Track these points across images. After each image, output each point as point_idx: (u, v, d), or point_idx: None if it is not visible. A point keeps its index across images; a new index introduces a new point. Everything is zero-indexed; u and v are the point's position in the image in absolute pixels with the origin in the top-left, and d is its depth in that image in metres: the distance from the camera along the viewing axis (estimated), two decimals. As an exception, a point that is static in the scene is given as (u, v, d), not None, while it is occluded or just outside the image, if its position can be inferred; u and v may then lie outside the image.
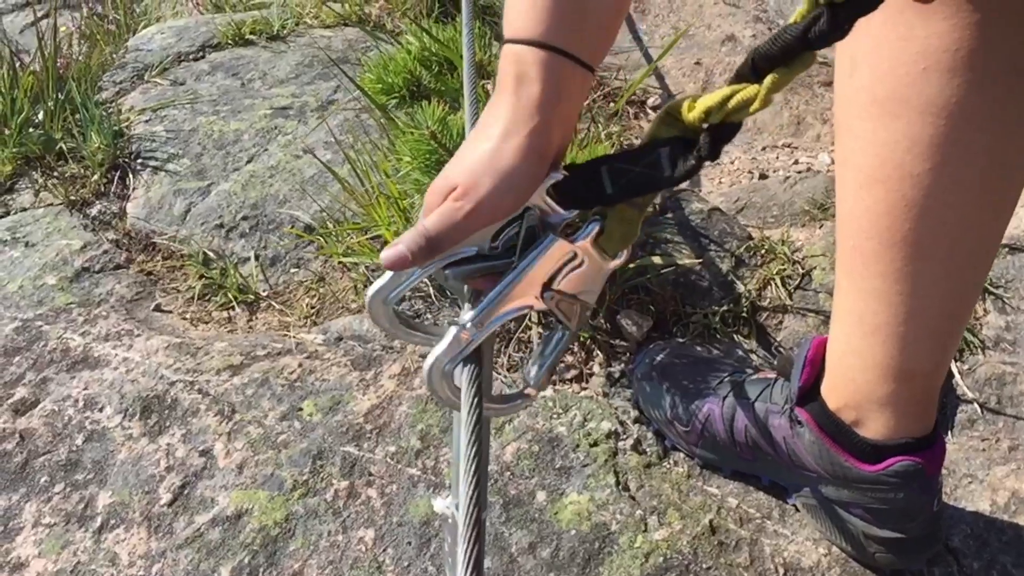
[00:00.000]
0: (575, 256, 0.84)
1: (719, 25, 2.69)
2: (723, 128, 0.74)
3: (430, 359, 0.81)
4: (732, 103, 0.72)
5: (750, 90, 0.71)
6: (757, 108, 0.71)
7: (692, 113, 0.75)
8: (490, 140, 0.79)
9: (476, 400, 0.80)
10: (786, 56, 0.68)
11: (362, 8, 2.64)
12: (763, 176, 1.99)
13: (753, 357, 1.50)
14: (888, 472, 1.13)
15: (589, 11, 0.81)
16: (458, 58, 1.49)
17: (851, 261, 1.10)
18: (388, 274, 0.83)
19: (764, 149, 2.19)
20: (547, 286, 0.84)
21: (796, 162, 2.09)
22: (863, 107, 1.03)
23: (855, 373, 1.13)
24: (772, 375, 1.29)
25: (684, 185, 1.92)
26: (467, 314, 0.81)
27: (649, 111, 2.27)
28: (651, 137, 0.79)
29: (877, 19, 1.01)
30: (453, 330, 0.81)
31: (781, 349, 1.50)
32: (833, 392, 1.16)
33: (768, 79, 0.69)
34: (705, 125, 0.76)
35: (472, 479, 0.72)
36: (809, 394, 1.19)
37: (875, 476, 1.14)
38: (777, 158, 2.13)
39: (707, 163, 0.77)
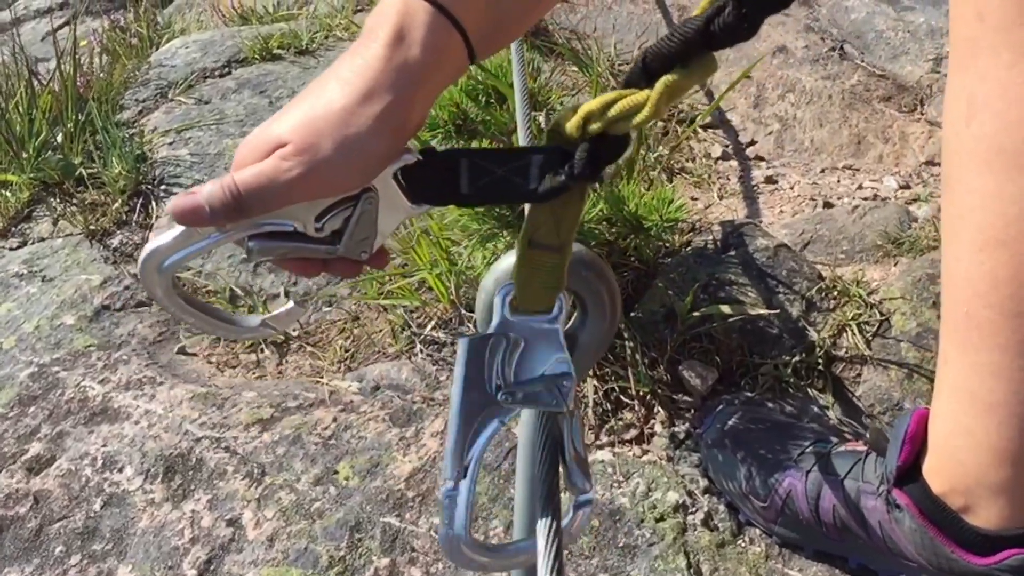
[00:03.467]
0: (508, 341, 0.70)
1: (768, 35, 2.54)
2: (604, 142, 0.61)
3: (441, 533, 0.69)
4: (615, 110, 0.59)
5: (638, 96, 0.58)
6: (646, 117, 0.58)
7: (571, 120, 0.61)
8: (344, 97, 0.64)
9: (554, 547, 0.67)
10: (683, 54, 0.56)
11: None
12: (828, 204, 1.85)
13: (830, 415, 1.37)
14: (1002, 566, 1.00)
15: None
16: (507, 87, 1.36)
17: (964, 330, 0.96)
18: (174, 231, 0.67)
19: (824, 171, 2.05)
20: (499, 388, 0.70)
21: (860, 187, 1.95)
22: (984, 160, 0.90)
23: (964, 455, 1.00)
24: (861, 447, 1.16)
25: (746, 218, 1.79)
26: (443, 474, 0.69)
27: (699, 130, 2.14)
28: (535, 143, 0.66)
29: (1004, 60, 0.88)
30: (442, 496, 0.68)
31: (867, 415, 1.37)
32: (938, 474, 1.03)
33: (660, 83, 0.57)
34: (585, 138, 0.62)
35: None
36: (908, 474, 1.06)
37: (986, 570, 1.01)
38: (839, 182, 1.99)
39: (581, 183, 0.63)
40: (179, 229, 0.67)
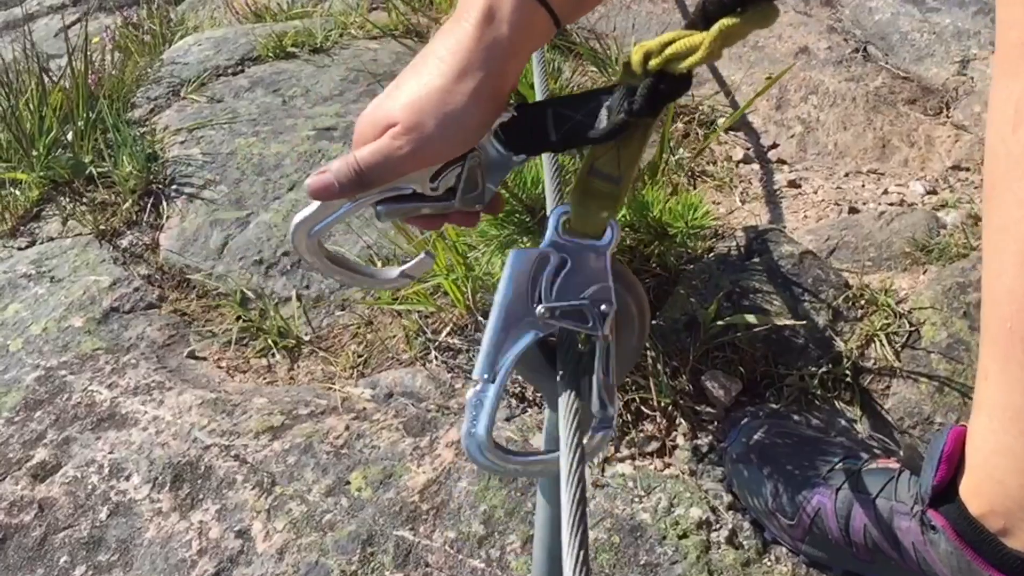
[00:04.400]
0: (553, 259, 0.71)
1: (790, 36, 2.50)
2: (662, 78, 0.64)
3: (463, 434, 0.69)
4: (671, 48, 0.61)
5: (696, 37, 0.60)
6: (701, 58, 0.60)
7: (635, 57, 0.64)
8: (441, 77, 0.70)
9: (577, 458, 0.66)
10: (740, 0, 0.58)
11: (408, 19, 2.48)
12: (853, 210, 1.80)
13: (858, 428, 1.32)
14: (1043, 592, 0.95)
15: None
16: (527, 88, 1.32)
17: (1006, 345, 0.92)
18: (314, 204, 0.78)
19: (847, 175, 2.00)
20: (538, 303, 0.71)
21: (886, 192, 1.90)
22: (1032, 168, 0.86)
23: (1005, 475, 0.95)
24: (894, 465, 1.11)
25: (769, 223, 1.75)
26: (475, 370, 0.69)
27: (720, 133, 2.09)
28: (608, 85, 0.70)
29: (1053, 63, 0.84)
30: (470, 395, 0.69)
31: (897, 430, 1.32)
32: (977, 495, 0.99)
33: (716, 26, 0.59)
34: (648, 75, 0.65)
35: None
36: (944, 494, 1.02)
37: (1027, 596, 0.96)
38: (863, 186, 1.95)
39: (639, 119, 0.65)
40: (318, 203, 0.77)
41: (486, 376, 0.68)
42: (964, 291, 1.46)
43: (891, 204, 1.84)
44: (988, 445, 0.97)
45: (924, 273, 1.56)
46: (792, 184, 1.94)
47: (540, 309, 0.69)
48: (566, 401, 0.72)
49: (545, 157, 1.05)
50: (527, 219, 1.15)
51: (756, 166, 2.02)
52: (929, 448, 1.04)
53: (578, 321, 0.71)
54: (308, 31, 2.45)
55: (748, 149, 2.08)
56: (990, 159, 0.92)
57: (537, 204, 1.15)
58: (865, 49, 2.40)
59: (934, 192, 1.89)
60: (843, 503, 1.10)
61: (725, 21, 0.58)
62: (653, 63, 0.63)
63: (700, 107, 2.14)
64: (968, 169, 2.00)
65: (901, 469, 1.09)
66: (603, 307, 0.72)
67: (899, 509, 1.05)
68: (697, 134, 2.07)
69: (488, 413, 0.68)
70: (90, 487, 1.32)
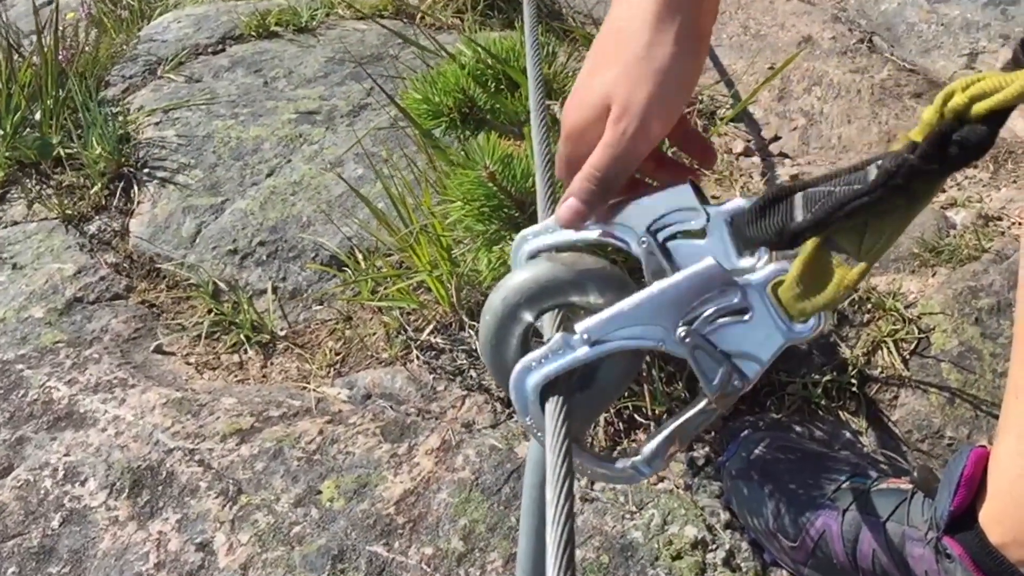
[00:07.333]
0: (737, 299, 0.62)
1: (793, 25, 2.41)
2: (959, 127, 0.49)
3: (522, 361, 0.64)
4: (978, 86, 0.47)
5: (1009, 75, 0.47)
6: (1015, 93, 0.46)
7: (934, 104, 0.50)
8: (640, 35, 0.66)
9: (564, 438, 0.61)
10: None
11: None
12: (858, 207, 1.72)
13: (863, 440, 1.25)
14: (1067, 629, 0.88)
15: None
16: (519, 74, 1.23)
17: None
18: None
19: (851, 171, 1.92)
20: (687, 323, 0.63)
21: (892, 189, 1.82)
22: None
23: (1032, 503, 0.88)
24: (905, 485, 1.03)
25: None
26: (581, 323, 0.64)
27: (719, 123, 2.01)
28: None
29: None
30: (559, 337, 0.63)
31: (906, 444, 1.24)
32: (999, 523, 0.91)
33: None
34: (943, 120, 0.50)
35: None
36: (962, 520, 0.94)
37: (1049, 633, 0.89)
38: (868, 183, 1.86)
39: (915, 177, 0.51)
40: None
41: (587, 336, 0.63)
42: (976, 296, 1.39)
43: (898, 202, 1.76)
44: (1015, 469, 0.89)
45: (933, 276, 1.48)
46: (794, 179, 1.86)
47: (681, 331, 0.62)
48: (554, 422, 0.64)
49: (536, 148, 0.96)
50: (516, 214, 1.07)
51: (757, 159, 1.93)
52: (947, 470, 0.96)
53: (703, 367, 0.64)
54: (293, 10, 2.36)
55: (749, 142, 1.99)
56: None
57: (527, 198, 1.06)
58: (870, 40, 2.32)
59: (942, 190, 1.81)
60: (850, 526, 1.02)
61: None
62: (954, 102, 0.49)
63: (700, 97, 2.06)
64: (976, 167, 1.92)
65: (914, 491, 1.01)
66: (736, 381, 0.64)
67: (911, 535, 0.98)
68: (697, 126, 1.98)
69: (561, 366, 0.64)
70: (43, 492, 1.23)
